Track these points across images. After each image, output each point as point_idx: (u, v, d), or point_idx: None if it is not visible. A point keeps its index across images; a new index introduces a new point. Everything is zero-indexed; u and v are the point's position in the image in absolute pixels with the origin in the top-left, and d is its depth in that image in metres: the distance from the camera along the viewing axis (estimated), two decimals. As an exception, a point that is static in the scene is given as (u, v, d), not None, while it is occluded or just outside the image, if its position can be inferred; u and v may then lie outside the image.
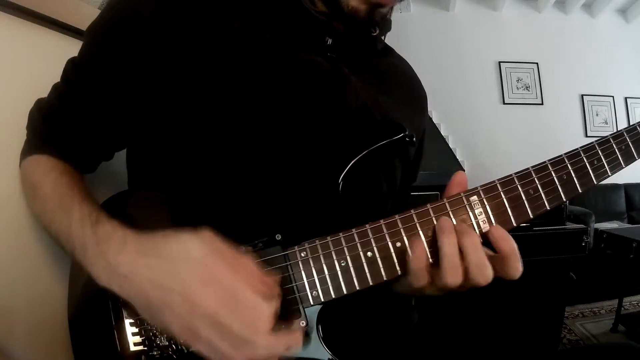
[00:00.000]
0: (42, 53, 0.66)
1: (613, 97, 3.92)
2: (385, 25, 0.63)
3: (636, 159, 0.50)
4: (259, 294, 0.39)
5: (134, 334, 0.46)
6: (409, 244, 0.44)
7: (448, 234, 0.42)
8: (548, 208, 0.46)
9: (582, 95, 3.89)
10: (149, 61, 0.50)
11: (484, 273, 0.42)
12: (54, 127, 0.55)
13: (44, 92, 0.58)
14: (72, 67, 0.55)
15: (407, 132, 0.51)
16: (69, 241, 0.47)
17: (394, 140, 0.50)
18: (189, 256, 0.39)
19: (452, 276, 0.42)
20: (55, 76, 0.56)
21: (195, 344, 0.38)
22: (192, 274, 0.38)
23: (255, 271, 0.40)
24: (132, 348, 0.46)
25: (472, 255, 0.42)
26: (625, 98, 3.94)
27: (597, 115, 3.89)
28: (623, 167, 0.49)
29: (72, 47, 0.56)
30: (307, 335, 0.44)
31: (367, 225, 0.44)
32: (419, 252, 0.43)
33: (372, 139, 0.50)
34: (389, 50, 0.71)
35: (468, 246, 0.42)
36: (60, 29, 0.69)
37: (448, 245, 0.42)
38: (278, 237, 0.44)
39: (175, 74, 0.50)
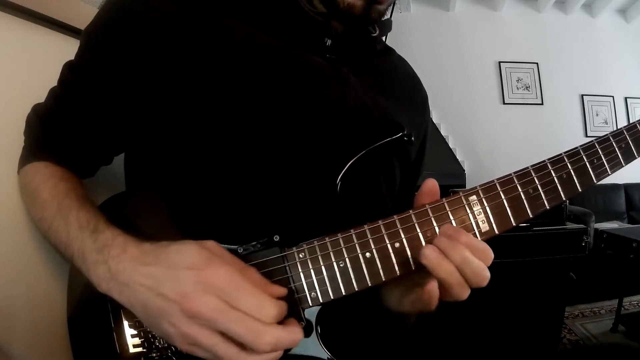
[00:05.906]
0: (42, 53, 0.66)
1: (613, 97, 3.92)
2: (385, 25, 0.63)
3: (636, 157, 0.49)
4: (261, 294, 0.37)
5: (133, 336, 0.46)
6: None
7: (439, 266, 0.41)
8: (548, 207, 0.45)
9: (582, 95, 3.88)
10: (145, 62, 0.50)
11: (483, 276, 0.42)
12: (52, 132, 0.55)
13: (44, 92, 0.57)
14: (69, 71, 0.54)
15: (405, 132, 0.50)
16: (68, 248, 0.47)
17: (392, 140, 0.50)
18: (188, 263, 0.38)
19: (462, 292, 0.42)
20: (55, 76, 0.56)
21: (197, 352, 0.38)
22: (189, 281, 0.37)
23: (259, 279, 0.39)
24: (131, 350, 0.45)
25: (466, 270, 0.41)
26: (625, 98, 3.93)
27: (597, 115, 3.88)
28: (623, 166, 0.48)
29: (72, 47, 0.56)
30: (306, 336, 0.43)
31: (365, 226, 0.44)
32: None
33: (371, 138, 0.50)
34: (390, 51, 0.70)
35: (458, 260, 0.41)
36: (60, 29, 0.69)
37: (445, 274, 0.41)
38: (276, 238, 0.44)
39: (173, 75, 0.50)
